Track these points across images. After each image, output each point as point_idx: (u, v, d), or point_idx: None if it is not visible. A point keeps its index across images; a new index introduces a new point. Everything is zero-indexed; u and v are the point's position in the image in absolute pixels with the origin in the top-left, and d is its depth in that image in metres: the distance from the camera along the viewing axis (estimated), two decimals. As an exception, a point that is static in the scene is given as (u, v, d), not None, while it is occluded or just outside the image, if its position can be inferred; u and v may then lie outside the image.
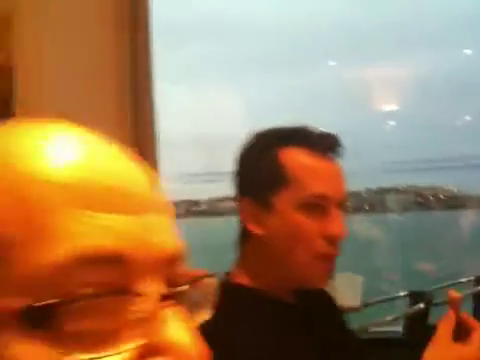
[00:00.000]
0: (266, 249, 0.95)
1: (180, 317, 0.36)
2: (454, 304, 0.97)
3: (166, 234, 0.37)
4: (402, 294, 3.20)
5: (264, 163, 0.97)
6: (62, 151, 0.36)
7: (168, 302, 0.36)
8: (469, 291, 3.31)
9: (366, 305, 3.11)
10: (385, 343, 3.14)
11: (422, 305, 2.82)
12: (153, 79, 1.30)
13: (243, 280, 0.98)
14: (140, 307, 0.34)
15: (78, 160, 0.36)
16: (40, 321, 0.31)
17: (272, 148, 0.97)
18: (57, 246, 0.32)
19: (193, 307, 0.39)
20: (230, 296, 0.91)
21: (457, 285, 3.61)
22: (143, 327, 0.34)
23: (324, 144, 0.97)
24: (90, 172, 0.35)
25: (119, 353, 0.32)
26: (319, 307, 1.05)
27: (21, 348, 0.31)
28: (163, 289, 0.35)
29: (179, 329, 0.35)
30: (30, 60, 1.07)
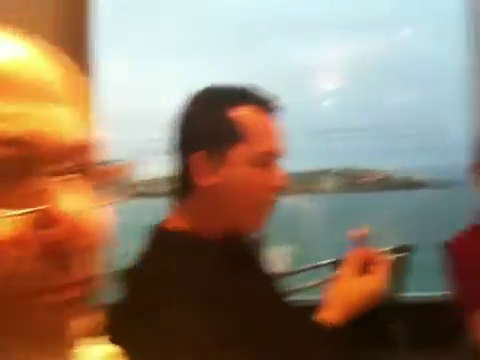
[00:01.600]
0: (215, 198, 1.04)
1: (82, 194, 0.38)
2: (359, 240, 1.07)
3: (73, 124, 0.38)
4: (326, 262, 3.42)
5: (217, 120, 1.04)
6: None
7: (73, 181, 0.37)
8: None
9: (291, 273, 3.32)
10: (310, 309, 3.37)
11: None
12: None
13: (180, 225, 1.05)
14: (40, 183, 0.35)
15: None
16: None
17: (223, 106, 1.05)
18: None
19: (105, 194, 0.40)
20: (167, 238, 1.01)
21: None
22: (41, 198, 0.35)
23: (270, 104, 1.08)
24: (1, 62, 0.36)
25: (12, 216, 0.34)
26: (252, 254, 1.17)
27: None
28: (68, 171, 0.37)
29: (77, 203, 0.36)
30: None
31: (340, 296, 1.06)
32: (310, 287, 3.06)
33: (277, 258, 3.50)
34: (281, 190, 1.07)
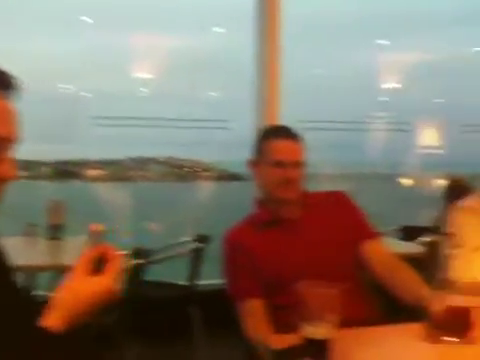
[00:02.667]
0: None
1: None
2: (93, 236, 1.03)
3: None
4: (124, 252, 3.46)
5: None
6: None
7: None
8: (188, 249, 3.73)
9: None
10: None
11: (140, 261, 3.08)
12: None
13: None
14: None
15: None
16: None
17: None
18: None
19: None
20: None
21: (180, 244, 4.01)
22: None
23: (7, 85, 0.97)
24: None
25: None
26: None
27: None
28: None
29: None
30: None
31: (66, 298, 0.99)
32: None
33: (73, 249, 3.44)
34: (11, 181, 0.97)
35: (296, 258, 1.85)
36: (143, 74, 5.91)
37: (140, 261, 3.08)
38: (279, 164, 1.87)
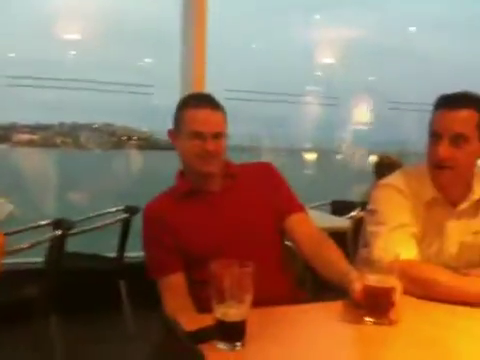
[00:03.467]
0: None
1: None
2: None
3: None
4: (44, 223, 3.31)
5: None
6: None
7: None
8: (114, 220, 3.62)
9: (4, 234, 3.12)
10: (27, 272, 3.21)
11: (59, 232, 2.93)
12: None
13: None
14: None
15: None
16: None
17: None
18: None
19: None
20: None
21: (103, 215, 3.89)
22: None
23: None
24: None
25: None
26: None
27: None
28: None
29: None
30: None
31: None
32: (23, 249, 2.92)
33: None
34: None
35: (217, 231, 1.77)
36: (71, 36, 5.63)
37: (61, 232, 2.93)
38: (197, 135, 1.75)
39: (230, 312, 1.13)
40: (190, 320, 1.33)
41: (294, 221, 1.84)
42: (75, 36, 5.79)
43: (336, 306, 1.44)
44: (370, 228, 1.78)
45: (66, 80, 5.95)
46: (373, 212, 1.81)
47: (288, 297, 1.76)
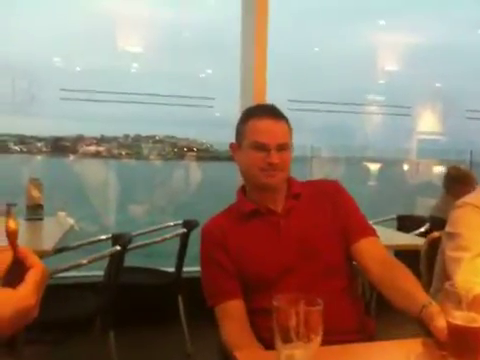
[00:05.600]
0: None
1: None
2: (10, 236, 0.82)
3: None
4: (104, 237, 3.30)
5: None
6: None
7: None
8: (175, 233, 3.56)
9: (64, 249, 3.12)
10: (87, 286, 3.20)
11: (118, 247, 2.90)
12: None
13: None
14: None
15: None
16: None
17: None
18: None
19: None
20: None
21: (165, 229, 3.85)
22: None
23: None
24: None
25: None
26: None
27: None
28: None
29: None
30: None
31: None
32: (82, 264, 2.89)
33: (50, 231, 3.27)
34: None
35: (280, 255, 1.64)
36: (133, 48, 5.69)
37: (120, 248, 2.89)
38: (260, 147, 1.64)
39: (296, 355, 1.00)
40: (250, 356, 1.21)
41: (364, 246, 1.67)
42: (137, 49, 5.85)
43: (414, 344, 1.27)
44: (450, 253, 1.60)
45: (130, 94, 6.03)
46: (453, 235, 1.62)
47: (357, 328, 1.61)
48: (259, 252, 1.65)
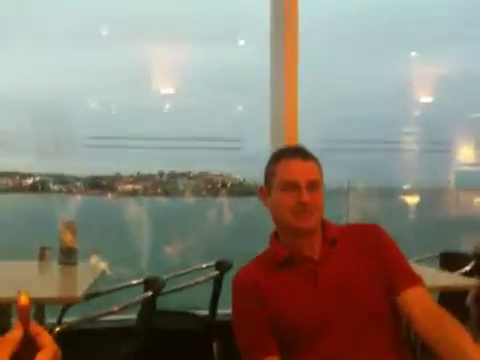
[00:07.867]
0: None
1: None
2: (21, 313, 0.76)
3: None
4: (135, 282, 3.24)
5: None
6: None
7: None
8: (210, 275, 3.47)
9: (95, 295, 3.06)
10: (120, 331, 3.14)
11: (150, 293, 2.83)
12: None
13: None
14: None
15: None
16: None
17: None
18: None
19: None
20: None
21: (198, 271, 3.76)
22: None
23: None
24: None
25: None
26: None
27: None
28: None
29: None
30: None
31: None
32: (114, 312, 2.83)
33: (82, 276, 3.22)
34: None
35: (318, 306, 1.53)
36: (166, 89, 5.77)
37: (152, 293, 2.82)
38: (291, 185, 1.55)
39: None
40: None
41: (409, 297, 1.53)
42: (169, 90, 5.92)
43: None
44: None
45: (162, 139, 6.11)
46: None
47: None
48: (293, 304, 1.54)
